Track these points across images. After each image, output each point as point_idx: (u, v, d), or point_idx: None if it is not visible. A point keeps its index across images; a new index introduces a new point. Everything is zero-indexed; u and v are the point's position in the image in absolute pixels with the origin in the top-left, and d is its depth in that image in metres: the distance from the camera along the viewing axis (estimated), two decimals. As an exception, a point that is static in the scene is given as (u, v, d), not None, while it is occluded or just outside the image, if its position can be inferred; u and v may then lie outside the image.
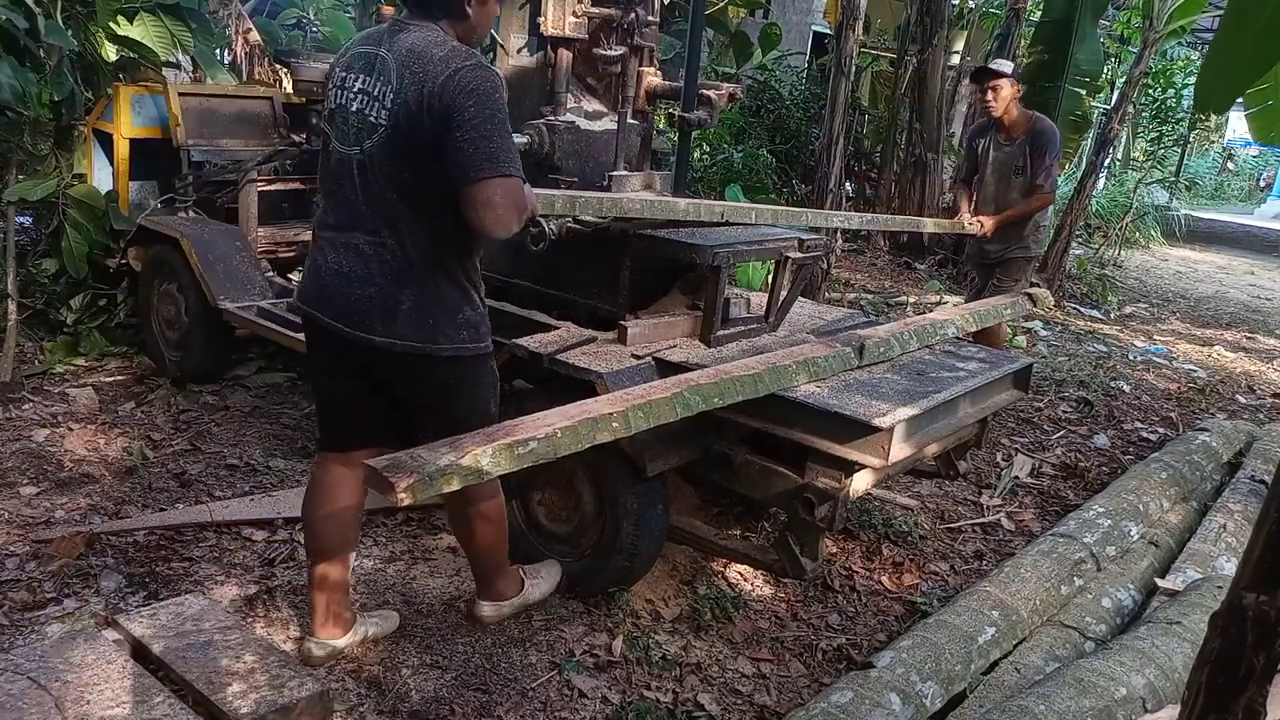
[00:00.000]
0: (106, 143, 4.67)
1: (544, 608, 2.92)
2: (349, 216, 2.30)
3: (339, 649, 2.59)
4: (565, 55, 3.22)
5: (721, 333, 3.15)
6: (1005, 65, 4.89)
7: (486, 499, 2.56)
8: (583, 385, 2.71)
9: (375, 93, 2.22)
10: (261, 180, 4.57)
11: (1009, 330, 6.93)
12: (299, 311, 2.46)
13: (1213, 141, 22.73)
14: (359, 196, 2.27)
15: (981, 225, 4.90)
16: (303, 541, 3.16)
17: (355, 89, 2.26)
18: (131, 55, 4.69)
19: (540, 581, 2.87)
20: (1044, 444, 4.90)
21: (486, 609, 2.76)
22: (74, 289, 4.63)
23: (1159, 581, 3.16)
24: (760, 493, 2.89)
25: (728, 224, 3.30)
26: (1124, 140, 13.49)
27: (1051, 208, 5.20)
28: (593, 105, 3.46)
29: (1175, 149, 13.92)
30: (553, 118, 3.26)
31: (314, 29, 9.13)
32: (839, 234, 8.45)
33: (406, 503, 1.80)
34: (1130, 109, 9.08)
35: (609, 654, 2.74)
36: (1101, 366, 6.44)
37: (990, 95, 4.80)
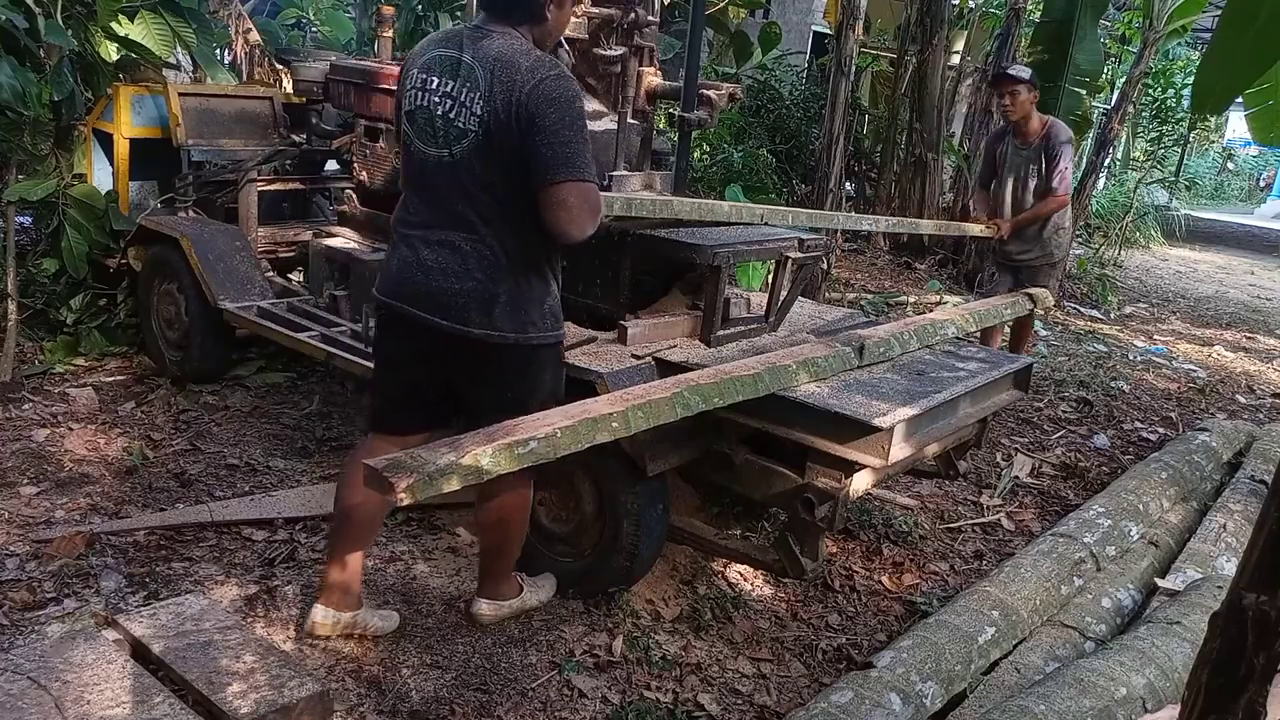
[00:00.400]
0: (106, 143, 4.67)
1: (544, 608, 2.92)
2: (441, 215, 2.39)
3: (336, 624, 2.65)
4: (565, 55, 3.22)
5: (721, 333, 3.15)
6: (1023, 71, 4.98)
7: (519, 495, 2.62)
8: (583, 385, 2.71)
9: (462, 98, 2.30)
10: (261, 180, 4.57)
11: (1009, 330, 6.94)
12: (381, 304, 2.52)
13: (1212, 141, 22.69)
14: (453, 196, 2.37)
15: (999, 228, 4.98)
16: (303, 541, 3.17)
17: (440, 92, 2.34)
18: (132, 55, 4.69)
19: (538, 590, 2.92)
20: (1044, 444, 4.90)
21: (485, 608, 2.79)
22: (74, 289, 4.63)
23: (1159, 581, 3.17)
24: (760, 493, 2.88)
25: (765, 224, 3.34)
26: (1124, 140, 13.48)
27: (1069, 210, 5.29)
28: (593, 105, 3.46)
29: (1175, 149, 13.91)
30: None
31: (314, 29, 9.13)
32: (839, 234, 8.44)
33: (406, 502, 1.80)
34: (1130, 109, 9.07)
35: (609, 654, 2.74)
36: (1101, 366, 6.44)
37: (1008, 100, 4.89)
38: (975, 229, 5.12)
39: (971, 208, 5.57)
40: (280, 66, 5.74)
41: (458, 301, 2.37)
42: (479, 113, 2.28)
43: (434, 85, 2.35)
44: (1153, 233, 12.58)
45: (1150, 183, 11.78)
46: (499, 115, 2.26)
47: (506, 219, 2.36)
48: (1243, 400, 6.18)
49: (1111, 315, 8.48)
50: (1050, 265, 5.15)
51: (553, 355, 2.54)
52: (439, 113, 2.34)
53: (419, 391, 2.59)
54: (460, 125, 2.31)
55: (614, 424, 2.15)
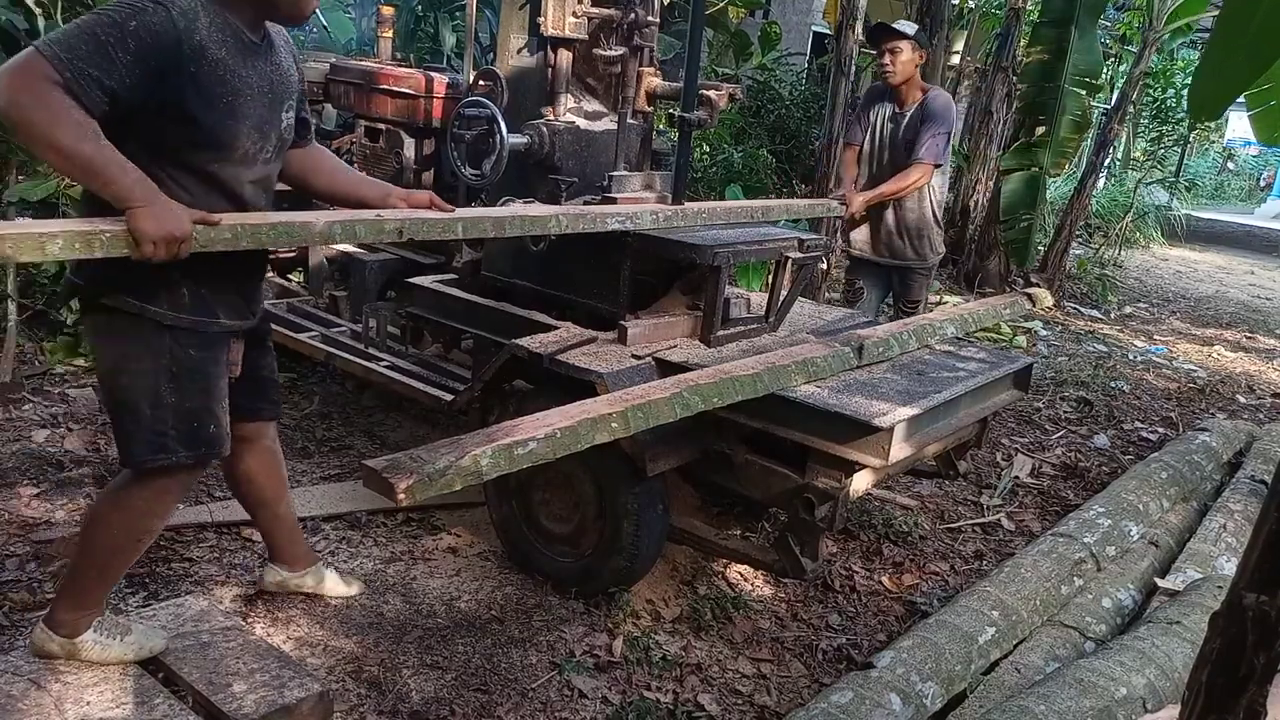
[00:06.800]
0: (106, 143, 4.66)
1: (545, 608, 2.92)
2: None
3: (289, 581, 2.78)
4: (565, 55, 3.22)
5: (721, 333, 3.14)
6: (908, 26, 4.31)
7: (125, 507, 2.24)
8: (583, 385, 2.71)
9: None
10: (261, 180, 4.56)
11: (1009, 330, 6.95)
12: None
13: (1213, 141, 22.71)
14: None
15: (848, 202, 4.19)
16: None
17: None
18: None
19: (112, 644, 2.29)
20: (1044, 444, 4.90)
21: (36, 634, 2.30)
22: (74, 290, 4.62)
23: (1159, 581, 3.17)
24: (760, 493, 2.88)
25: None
26: (1124, 140, 13.47)
27: (933, 201, 4.39)
28: (593, 105, 3.46)
29: (1175, 149, 13.92)
30: (552, 118, 3.26)
31: (313, 29, 9.12)
32: (839, 233, 8.42)
33: (406, 503, 1.80)
34: (1130, 109, 9.07)
35: (609, 654, 2.74)
36: (1101, 366, 6.44)
37: (888, 58, 4.20)
38: (825, 206, 4.10)
39: (839, 173, 4.69)
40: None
41: None
42: None
43: None
44: (1153, 233, 12.58)
45: (1150, 183, 11.79)
46: None
47: None
48: (1243, 400, 6.18)
49: (1111, 315, 8.48)
50: (924, 270, 4.48)
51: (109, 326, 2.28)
52: None
53: None
54: None
55: (614, 424, 2.15)
